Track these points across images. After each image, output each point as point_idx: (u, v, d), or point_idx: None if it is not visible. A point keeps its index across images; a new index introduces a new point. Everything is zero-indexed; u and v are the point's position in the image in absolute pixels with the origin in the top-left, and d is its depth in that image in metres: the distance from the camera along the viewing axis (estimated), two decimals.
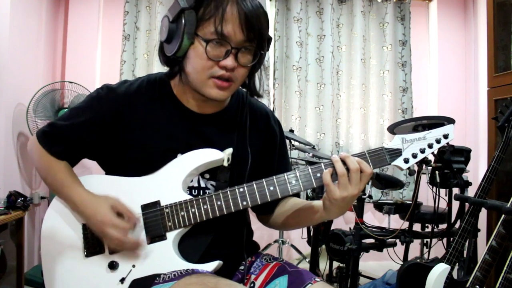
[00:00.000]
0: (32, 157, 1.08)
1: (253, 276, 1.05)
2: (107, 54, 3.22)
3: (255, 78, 1.04)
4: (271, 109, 3.20)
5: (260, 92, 1.07)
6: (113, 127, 1.01)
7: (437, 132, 0.94)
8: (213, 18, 0.89)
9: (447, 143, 0.96)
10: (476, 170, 2.93)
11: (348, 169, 0.89)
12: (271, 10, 3.32)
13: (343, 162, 0.90)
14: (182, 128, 1.02)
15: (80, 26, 3.12)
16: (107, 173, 1.07)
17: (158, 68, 3.05)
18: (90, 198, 0.98)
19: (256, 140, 1.09)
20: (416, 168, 2.10)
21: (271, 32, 3.23)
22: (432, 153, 0.96)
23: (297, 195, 1.12)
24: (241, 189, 0.94)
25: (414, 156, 0.93)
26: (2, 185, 2.36)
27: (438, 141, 0.94)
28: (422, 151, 0.93)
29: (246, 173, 1.01)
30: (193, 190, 1.03)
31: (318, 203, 1.00)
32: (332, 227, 2.30)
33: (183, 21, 0.90)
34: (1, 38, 2.39)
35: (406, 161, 0.93)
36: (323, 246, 2.37)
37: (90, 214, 0.96)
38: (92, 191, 1.00)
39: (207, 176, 1.04)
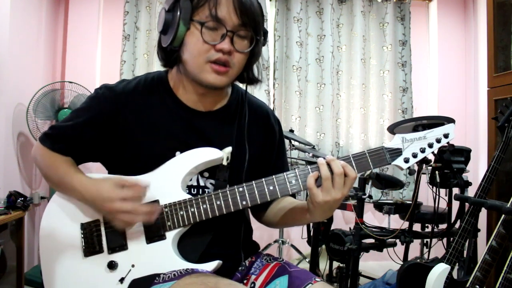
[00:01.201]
0: (36, 159, 1.07)
1: (253, 277, 1.04)
2: (107, 54, 3.22)
3: (253, 68, 1.05)
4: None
5: (258, 78, 1.07)
6: (112, 126, 1.01)
7: (438, 132, 0.94)
8: (207, 2, 0.92)
9: (448, 143, 0.95)
10: (476, 170, 2.93)
11: (332, 173, 0.88)
12: (271, 10, 3.32)
13: (328, 165, 0.89)
14: (180, 125, 1.02)
15: (80, 26, 3.12)
16: (109, 173, 1.07)
17: (158, 68, 3.01)
18: (92, 181, 0.97)
19: (256, 139, 1.09)
20: (416, 167, 2.09)
21: (271, 32, 3.26)
22: (432, 152, 0.96)
23: (294, 194, 1.12)
24: (241, 189, 0.94)
25: (415, 155, 0.93)
26: (2, 185, 2.36)
27: (438, 141, 0.93)
28: (423, 150, 0.93)
29: (243, 171, 1.01)
30: (192, 189, 1.02)
31: (305, 204, 0.99)
32: (332, 227, 2.30)
33: (178, 9, 0.92)
34: (1, 38, 2.39)
35: (406, 160, 0.93)
36: (323, 246, 2.37)
37: (95, 196, 0.94)
38: None
39: (206, 174, 1.03)
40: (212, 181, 1.03)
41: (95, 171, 1.08)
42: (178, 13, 0.92)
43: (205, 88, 1.00)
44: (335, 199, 0.88)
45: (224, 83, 0.98)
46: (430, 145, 0.93)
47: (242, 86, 1.10)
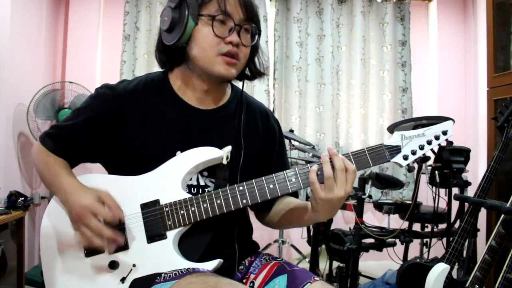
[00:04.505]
0: (34, 158, 1.08)
1: (252, 276, 1.05)
2: (107, 54, 3.23)
3: (254, 60, 1.08)
4: (271, 109, 3.22)
5: (261, 71, 1.10)
6: (112, 125, 1.01)
7: (436, 129, 0.95)
8: None
9: (446, 140, 0.96)
10: (476, 170, 2.93)
11: (334, 169, 0.89)
12: (271, 10, 3.32)
13: (331, 161, 0.90)
14: (181, 124, 1.03)
15: (80, 26, 3.13)
16: (109, 173, 1.07)
17: (158, 68, 3.04)
18: (80, 186, 0.97)
19: (255, 138, 1.10)
20: (415, 164, 2.10)
21: (271, 32, 3.27)
22: (432, 150, 0.97)
23: (295, 194, 1.13)
24: (241, 187, 0.94)
25: (413, 152, 0.94)
26: (2, 185, 2.36)
27: (437, 138, 0.94)
28: (421, 147, 0.94)
29: (239, 167, 1.01)
30: (192, 189, 1.03)
31: (309, 203, 0.99)
32: (332, 227, 2.30)
33: (186, 5, 0.94)
34: (2, 38, 2.39)
35: (405, 158, 0.94)
36: (323, 246, 2.38)
37: (74, 200, 0.93)
38: None
39: (205, 173, 1.04)
40: (212, 179, 1.03)
41: (96, 171, 1.08)
42: (186, 9, 0.94)
43: (214, 82, 1.03)
44: (338, 197, 0.89)
45: (233, 75, 1.01)
46: (429, 142, 0.94)
47: (239, 85, 1.12)
